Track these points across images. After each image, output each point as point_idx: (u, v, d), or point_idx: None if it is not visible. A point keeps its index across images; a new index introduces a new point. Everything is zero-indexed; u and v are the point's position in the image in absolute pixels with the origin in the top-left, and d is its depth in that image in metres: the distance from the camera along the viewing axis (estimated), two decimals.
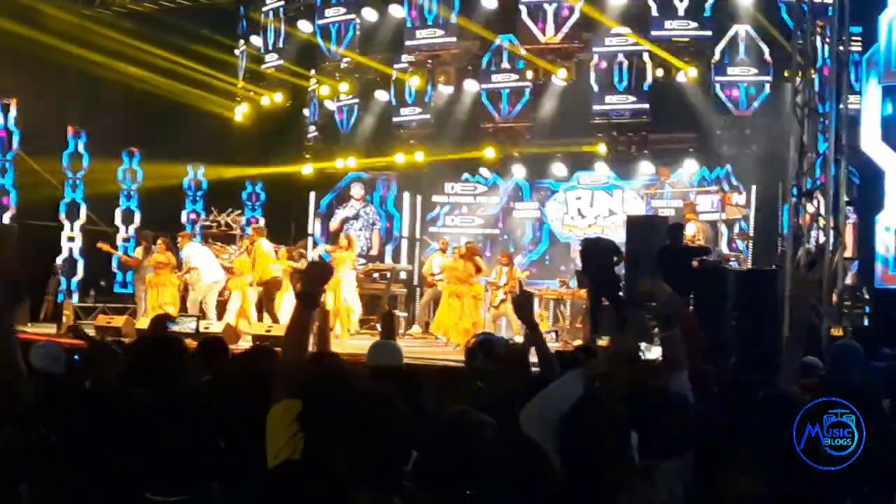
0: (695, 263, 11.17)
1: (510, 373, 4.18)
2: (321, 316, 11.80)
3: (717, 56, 15.29)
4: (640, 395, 2.91)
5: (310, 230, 18.33)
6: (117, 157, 18.20)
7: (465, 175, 17.60)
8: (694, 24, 15.21)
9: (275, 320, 12.79)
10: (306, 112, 18.79)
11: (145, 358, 3.94)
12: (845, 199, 10.14)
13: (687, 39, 15.35)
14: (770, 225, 14.47)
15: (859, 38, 10.62)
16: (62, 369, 4.38)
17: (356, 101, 17.99)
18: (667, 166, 16.03)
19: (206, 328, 11.83)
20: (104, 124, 16.91)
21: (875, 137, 9.78)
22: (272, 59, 18.50)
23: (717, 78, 15.30)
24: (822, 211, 9.99)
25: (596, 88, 16.07)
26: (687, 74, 15.33)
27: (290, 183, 18.40)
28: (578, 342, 11.37)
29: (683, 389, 3.08)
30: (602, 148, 16.29)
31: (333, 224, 18.15)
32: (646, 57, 15.65)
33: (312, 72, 18.32)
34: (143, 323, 12.16)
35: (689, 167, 15.86)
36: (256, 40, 18.73)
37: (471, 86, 17.03)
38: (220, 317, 13.21)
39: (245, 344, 11.13)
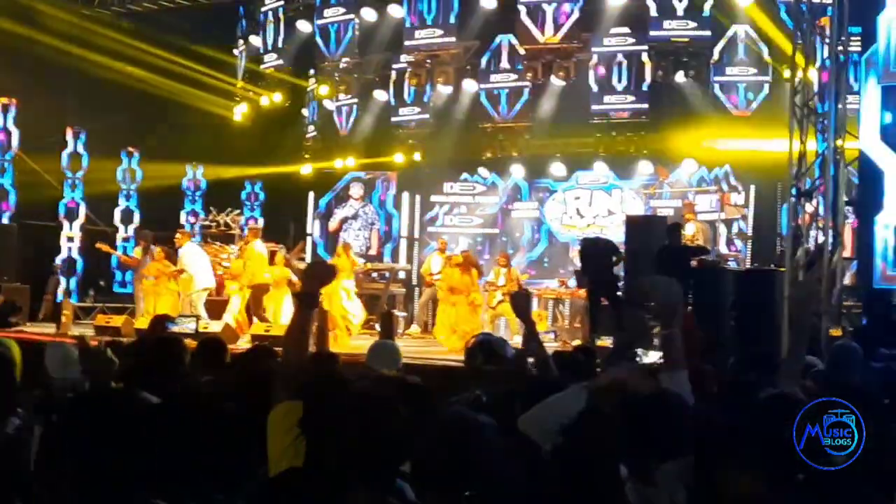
0: (694, 263, 11.18)
1: (509, 373, 4.19)
2: (321, 316, 11.84)
3: (715, 56, 15.30)
4: (638, 397, 2.91)
5: (309, 230, 18.33)
6: (116, 156, 18.20)
7: (464, 175, 17.61)
8: (693, 25, 15.21)
9: (263, 321, 12.81)
10: (305, 112, 18.79)
11: (146, 358, 3.95)
12: (844, 199, 10.13)
13: (686, 39, 15.35)
14: (768, 225, 14.50)
15: (858, 39, 10.61)
16: (77, 373, 4.37)
17: (355, 101, 17.99)
18: (665, 166, 16.04)
19: (205, 328, 11.83)
20: (103, 124, 16.92)
21: (874, 138, 9.76)
22: (271, 59, 18.51)
23: (716, 78, 15.32)
24: (821, 211, 10.00)
25: (595, 88, 16.07)
26: (686, 74, 15.34)
27: (289, 183, 18.42)
28: (577, 342, 11.38)
29: (683, 390, 3.08)
30: (601, 147, 16.29)
31: (332, 224, 18.15)
32: (645, 57, 15.65)
33: (311, 72, 18.31)
34: (142, 323, 12.15)
35: (688, 167, 15.87)
36: (255, 40, 18.73)
37: (470, 86, 17.03)
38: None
39: (244, 344, 11.13)
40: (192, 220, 18.58)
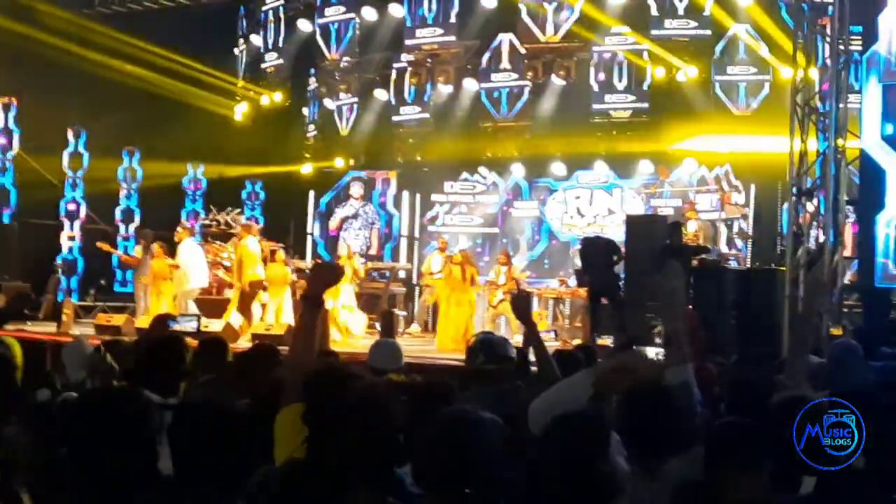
0: (694, 262, 11.18)
1: (510, 372, 4.19)
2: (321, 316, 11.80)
3: (716, 55, 15.29)
4: (641, 391, 2.91)
5: (309, 230, 18.33)
6: (117, 156, 18.20)
7: (465, 174, 17.59)
8: (694, 24, 15.21)
9: (249, 322, 12.81)
10: (306, 111, 18.79)
11: (147, 357, 3.95)
12: (845, 198, 10.13)
13: (687, 38, 15.35)
14: (769, 224, 14.49)
15: (859, 38, 10.61)
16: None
17: (356, 100, 17.98)
18: (666, 166, 16.03)
19: (206, 327, 11.83)
20: (104, 123, 16.91)
21: (875, 137, 9.77)
22: (272, 59, 18.51)
23: (717, 77, 15.31)
24: (822, 210, 10.00)
25: (595, 87, 16.07)
26: (686, 73, 15.33)
27: (290, 182, 18.42)
28: (577, 341, 11.37)
29: (690, 384, 3.07)
30: (601, 147, 16.28)
31: (333, 223, 18.15)
32: (645, 56, 15.65)
33: (312, 71, 18.31)
34: (142, 322, 12.15)
35: (689, 166, 15.85)
36: (256, 39, 18.73)
37: (470, 85, 17.02)
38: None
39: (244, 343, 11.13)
40: (191, 222, 18.57)
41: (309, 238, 18.20)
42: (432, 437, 2.45)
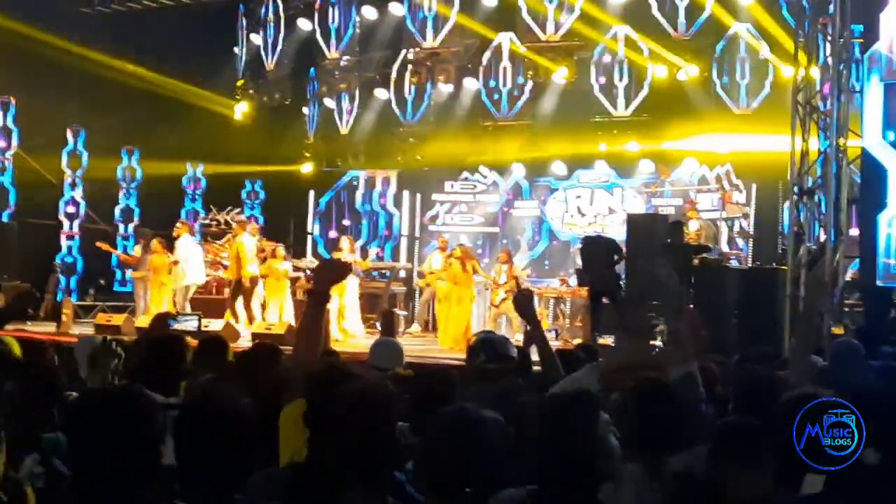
0: (696, 262, 11.17)
1: (511, 371, 4.18)
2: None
3: (717, 54, 15.27)
4: (645, 389, 2.90)
5: (309, 229, 18.32)
6: (116, 155, 18.19)
7: (465, 174, 17.58)
8: (694, 22, 15.19)
9: (236, 318, 12.82)
10: (306, 110, 18.77)
11: (148, 356, 3.93)
12: (846, 197, 10.12)
13: (687, 37, 15.34)
14: (770, 223, 14.48)
15: (861, 37, 10.60)
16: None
17: (356, 99, 17.97)
18: (666, 165, 16.02)
19: (206, 326, 11.82)
20: (103, 122, 16.90)
21: (877, 135, 9.76)
22: (272, 58, 18.49)
23: (718, 76, 15.28)
24: (823, 209, 9.98)
25: (596, 86, 16.05)
26: (687, 72, 15.31)
27: (290, 181, 18.40)
28: (578, 341, 11.36)
29: (694, 383, 3.06)
30: (602, 146, 16.27)
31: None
32: (646, 55, 15.63)
33: (312, 70, 18.29)
34: (142, 321, 12.14)
35: (689, 165, 15.84)
36: (256, 38, 18.72)
37: (470, 84, 17.01)
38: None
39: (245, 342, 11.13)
40: (191, 222, 18.55)
41: (309, 237, 18.18)
42: (433, 436, 2.44)
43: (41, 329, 12.71)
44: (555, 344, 10.79)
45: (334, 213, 18.42)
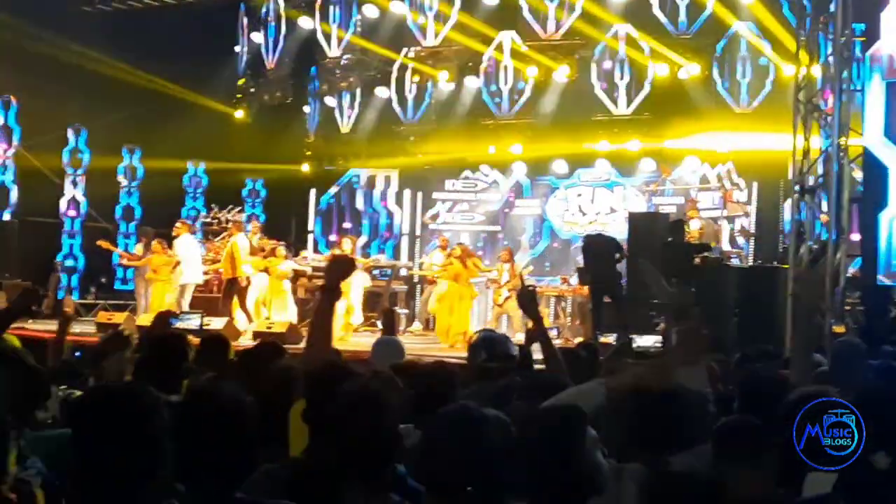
0: (697, 260, 11.17)
1: (513, 370, 4.18)
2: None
3: (718, 52, 15.26)
4: (650, 389, 2.90)
5: (310, 227, 18.33)
6: (118, 153, 18.19)
7: (466, 172, 17.57)
8: (696, 21, 15.18)
9: (231, 318, 12.84)
10: (306, 109, 18.77)
11: (150, 354, 3.94)
12: (847, 195, 10.11)
13: (689, 36, 15.33)
14: (771, 222, 14.47)
15: (862, 36, 10.59)
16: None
17: (357, 98, 17.97)
18: (667, 163, 16.01)
19: (208, 325, 11.83)
20: (104, 121, 16.90)
21: (878, 134, 9.75)
22: (272, 56, 18.48)
23: (719, 74, 15.27)
24: (825, 208, 9.97)
25: (597, 85, 16.04)
26: (688, 71, 15.31)
27: (291, 180, 18.39)
28: (580, 339, 11.36)
29: (701, 384, 3.06)
30: (603, 145, 16.26)
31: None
32: (647, 53, 15.62)
33: (313, 68, 18.29)
34: (143, 320, 12.14)
35: (691, 164, 15.83)
36: (257, 37, 18.71)
37: (472, 82, 17.00)
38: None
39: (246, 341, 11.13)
40: (192, 221, 18.54)
41: (310, 236, 18.18)
42: (434, 434, 2.44)
43: (42, 327, 12.70)
44: (556, 343, 10.82)
45: (335, 212, 18.42)
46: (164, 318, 5.99)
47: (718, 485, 2.43)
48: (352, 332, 13.07)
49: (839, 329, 9.20)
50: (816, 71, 10.29)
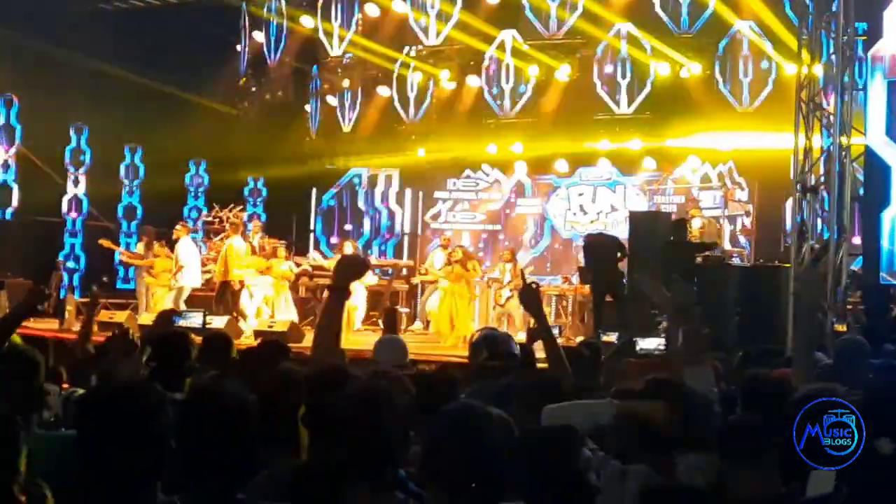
0: (699, 259, 11.16)
1: (514, 369, 4.17)
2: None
3: (720, 51, 15.25)
4: (654, 387, 2.90)
5: (311, 227, 18.32)
6: (119, 152, 18.18)
7: (467, 171, 17.57)
8: (697, 20, 15.17)
9: (232, 317, 12.84)
10: (308, 108, 18.76)
11: (153, 353, 3.94)
12: (849, 195, 10.10)
13: (690, 35, 15.32)
14: (773, 221, 14.46)
15: (864, 35, 10.58)
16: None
17: (358, 96, 17.97)
18: (669, 162, 16.01)
19: (210, 323, 11.83)
20: (106, 120, 16.89)
21: (880, 133, 9.74)
22: (274, 55, 18.48)
23: (720, 73, 15.26)
24: (827, 207, 9.97)
25: (599, 84, 16.03)
26: (690, 70, 15.30)
27: (292, 179, 18.37)
28: (581, 338, 11.35)
29: (706, 384, 3.06)
30: (604, 144, 16.25)
31: None
32: (649, 52, 15.61)
33: (315, 67, 18.28)
34: (144, 319, 12.16)
35: (692, 163, 15.82)
36: (258, 36, 18.71)
37: (473, 81, 16.99)
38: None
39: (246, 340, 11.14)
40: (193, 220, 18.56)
41: (311, 235, 18.18)
42: (438, 432, 2.44)
43: (43, 325, 12.71)
44: (558, 341, 10.82)
45: (336, 212, 18.42)
46: (167, 316, 6.00)
47: (711, 495, 2.44)
48: (351, 331, 13.07)
49: (841, 328, 9.21)
50: (818, 70, 10.29)
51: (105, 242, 15.22)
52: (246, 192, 19.02)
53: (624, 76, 15.89)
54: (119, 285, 17.37)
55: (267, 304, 13.57)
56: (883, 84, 9.76)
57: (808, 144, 10.09)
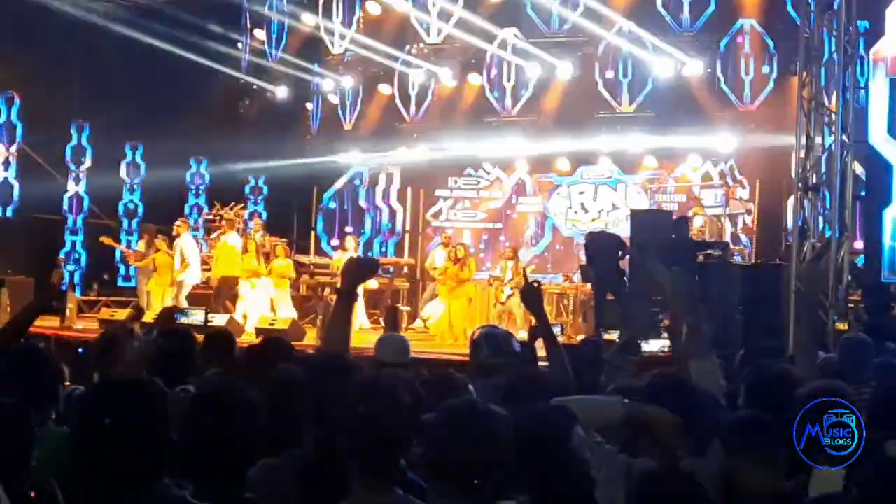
0: (700, 258, 11.16)
1: (516, 367, 4.17)
2: (326, 309, 11.77)
3: (722, 49, 15.24)
4: (659, 383, 2.90)
5: (313, 224, 18.32)
6: (120, 150, 18.18)
7: (468, 169, 17.56)
8: (698, 18, 15.16)
9: (233, 315, 12.84)
10: (309, 106, 18.76)
11: (156, 350, 3.93)
12: (850, 193, 10.10)
13: (691, 33, 15.31)
14: (774, 219, 14.45)
15: (866, 33, 10.58)
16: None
17: (360, 94, 17.96)
18: (670, 160, 16.00)
19: (212, 321, 11.84)
20: (107, 117, 16.89)
21: (882, 131, 9.74)
22: (275, 53, 18.48)
23: (722, 72, 15.25)
24: (828, 205, 9.97)
25: (600, 82, 16.02)
26: (692, 68, 15.28)
27: (293, 177, 18.37)
28: (582, 337, 11.36)
29: (711, 378, 3.06)
30: (606, 142, 16.24)
31: None
32: (651, 50, 15.60)
33: (316, 65, 18.28)
34: (146, 317, 12.13)
35: (693, 161, 15.81)
36: (260, 33, 18.71)
37: (474, 79, 16.98)
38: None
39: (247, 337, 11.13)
40: (194, 217, 18.56)
41: (312, 233, 18.18)
42: (441, 428, 2.45)
43: (44, 323, 12.71)
44: (560, 339, 10.81)
45: (337, 210, 18.42)
46: (170, 313, 6.00)
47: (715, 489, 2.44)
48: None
49: (842, 326, 9.20)
50: (820, 69, 10.28)
51: (106, 240, 15.22)
52: (247, 190, 19.01)
53: (625, 74, 15.88)
54: (120, 283, 17.39)
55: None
56: (885, 82, 9.75)
57: (809, 143, 10.09)
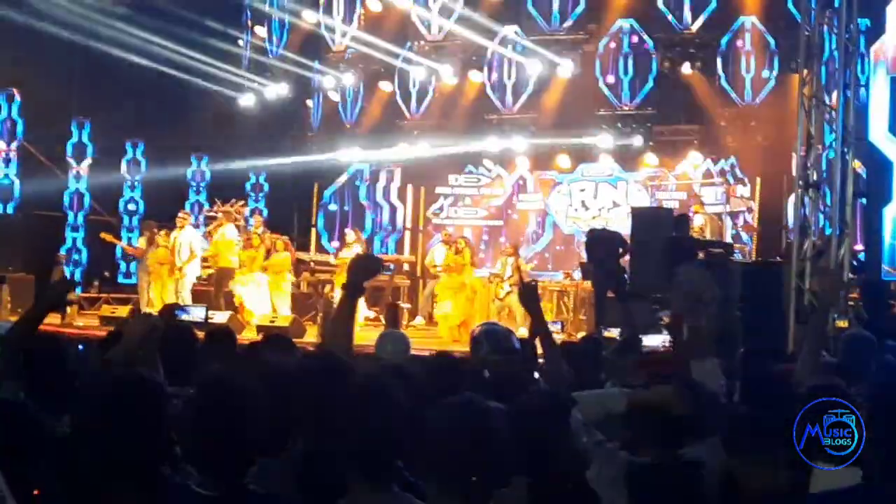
0: (701, 255, 11.15)
1: (516, 364, 4.17)
2: (327, 306, 11.79)
3: (723, 47, 15.24)
4: (659, 382, 2.90)
5: (313, 221, 18.32)
6: (121, 147, 18.19)
7: (469, 167, 17.56)
8: (699, 15, 15.16)
9: (234, 311, 12.87)
10: (310, 103, 18.75)
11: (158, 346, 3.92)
12: (851, 190, 10.10)
13: (693, 31, 15.31)
14: (774, 217, 14.45)
15: (867, 31, 10.58)
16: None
17: (360, 91, 17.95)
18: (671, 158, 16.00)
19: (212, 318, 11.85)
20: (108, 115, 16.89)
21: (883, 129, 9.75)
22: (276, 50, 18.47)
23: (723, 69, 15.25)
24: (829, 203, 9.97)
25: (601, 80, 16.01)
26: (692, 66, 15.28)
27: (294, 174, 18.38)
28: (583, 334, 11.36)
29: (712, 377, 3.07)
30: (606, 140, 16.25)
31: None
32: (651, 48, 15.59)
33: (317, 62, 18.28)
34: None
35: (694, 159, 15.81)
36: (261, 30, 18.70)
37: (475, 76, 16.98)
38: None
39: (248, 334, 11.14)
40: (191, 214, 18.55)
41: (313, 230, 18.18)
42: (438, 425, 2.45)
43: (45, 320, 12.70)
44: (559, 337, 10.82)
45: (338, 207, 18.42)
46: (170, 310, 6.00)
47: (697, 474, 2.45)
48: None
49: (842, 324, 9.20)
50: (821, 66, 10.28)
51: (106, 236, 15.22)
52: (248, 186, 19.01)
53: (626, 72, 15.88)
54: (121, 280, 17.40)
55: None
56: (885, 80, 9.77)
57: (810, 140, 10.09)
